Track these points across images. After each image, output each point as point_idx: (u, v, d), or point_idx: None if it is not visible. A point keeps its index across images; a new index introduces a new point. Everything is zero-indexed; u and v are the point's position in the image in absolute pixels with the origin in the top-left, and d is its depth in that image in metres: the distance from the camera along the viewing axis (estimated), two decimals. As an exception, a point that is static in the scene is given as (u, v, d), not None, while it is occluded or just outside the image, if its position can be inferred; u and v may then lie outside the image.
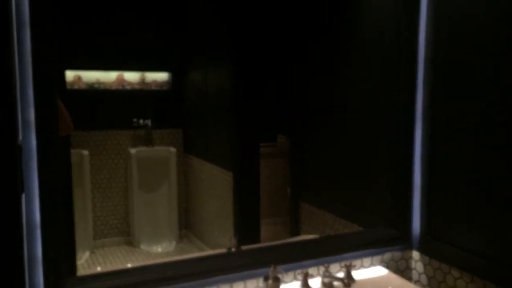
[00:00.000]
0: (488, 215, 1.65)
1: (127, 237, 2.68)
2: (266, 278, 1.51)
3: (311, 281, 1.68)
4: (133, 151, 2.74)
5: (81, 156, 2.56)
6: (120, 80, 2.87)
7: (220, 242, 2.49)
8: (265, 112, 2.63)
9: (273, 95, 2.68)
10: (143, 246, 2.60)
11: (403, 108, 1.90)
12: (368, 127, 2.10)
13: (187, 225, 2.83)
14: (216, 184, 2.69)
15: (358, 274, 1.78)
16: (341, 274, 1.74)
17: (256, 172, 2.49)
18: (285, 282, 1.68)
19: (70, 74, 2.73)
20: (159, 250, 2.62)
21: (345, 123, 2.22)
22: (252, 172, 2.49)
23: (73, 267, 1.69)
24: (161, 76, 3.02)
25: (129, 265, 1.50)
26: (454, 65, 1.75)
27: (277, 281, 1.51)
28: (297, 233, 2.31)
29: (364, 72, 2.10)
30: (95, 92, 2.77)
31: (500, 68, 1.59)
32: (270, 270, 1.51)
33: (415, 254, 1.93)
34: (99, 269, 1.40)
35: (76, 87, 2.74)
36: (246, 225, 2.38)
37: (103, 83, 2.80)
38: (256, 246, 1.79)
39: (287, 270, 1.67)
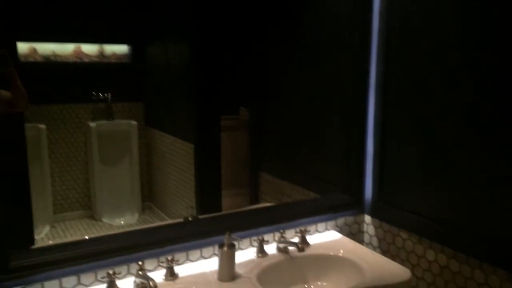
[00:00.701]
0: (434, 180, 1.73)
1: (88, 210, 2.67)
2: (221, 245, 1.55)
3: (266, 247, 1.74)
4: (92, 124, 2.70)
5: (38, 130, 2.51)
6: (78, 53, 2.80)
7: (183, 213, 2.52)
8: (227, 85, 2.62)
9: (235, 69, 2.68)
10: (105, 219, 2.60)
11: (357, 79, 1.94)
12: (323, 98, 2.14)
13: (149, 197, 2.83)
14: (177, 156, 2.69)
15: (313, 239, 1.85)
16: (296, 239, 1.80)
17: (217, 144, 2.50)
18: (241, 249, 1.73)
19: (24, 46, 2.65)
20: (122, 223, 2.63)
21: (302, 95, 2.25)
22: (213, 144, 2.50)
23: (30, 240, 1.68)
24: (121, 48, 2.96)
25: (86, 237, 1.50)
26: (406, 39, 1.79)
27: (232, 247, 1.56)
28: (256, 203, 2.35)
29: (322, 46, 2.13)
30: (51, 65, 2.69)
31: (447, 41, 1.64)
32: (225, 237, 1.55)
33: (367, 218, 2.01)
34: (50, 242, 1.40)
35: (31, 59, 2.66)
36: (208, 196, 2.40)
37: (59, 55, 2.72)
38: (213, 215, 1.82)
39: (243, 237, 1.72)
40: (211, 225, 1.70)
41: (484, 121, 1.53)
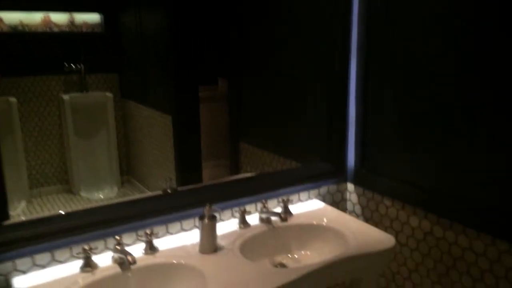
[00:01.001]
0: (417, 147, 1.70)
1: (66, 185, 2.59)
2: (201, 217, 1.51)
3: (249, 218, 1.71)
4: (66, 97, 2.60)
5: (9, 103, 2.40)
6: (47, 22, 2.67)
7: (163, 185, 2.46)
8: (205, 55, 2.54)
9: (213, 38, 2.59)
10: (83, 193, 2.54)
11: (338, 45, 1.88)
12: (304, 65, 2.08)
13: (128, 171, 2.77)
14: (155, 128, 2.62)
15: (295, 208, 1.83)
16: (278, 209, 1.77)
17: (195, 115, 2.44)
18: (223, 220, 1.69)
19: (-12, 16, 2.51)
20: (101, 197, 2.57)
21: (282, 64, 2.18)
22: (192, 115, 2.44)
23: (5, 216, 1.61)
24: (92, 17, 2.83)
25: (61, 212, 1.44)
26: (390, 4, 1.73)
27: (213, 219, 1.52)
28: (237, 173, 2.31)
29: (302, 14, 2.05)
30: (19, 36, 2.57)
31: (434, 9, 1.58)
32: (205, 209, 1.51)
33: (350, 186, 1.99)
34: (22, 218, 1.34)
35: (-3, 30, 2.53)
36: (187, 168, 2.35)
37: (27, 25, 2.59)
38: (192, 187, 1.77)
39: (224, 208, 1.68)
40: (191, 197, 1.66)
41: (466, 90, 1.50)
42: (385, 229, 1.82)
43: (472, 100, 1.49)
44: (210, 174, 2.31)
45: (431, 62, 1.60)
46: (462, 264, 1.59)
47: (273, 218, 1.70)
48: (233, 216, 1.72)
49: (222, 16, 2.49)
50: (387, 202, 1.83)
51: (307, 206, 1.87)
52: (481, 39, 1.44)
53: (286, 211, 1.77)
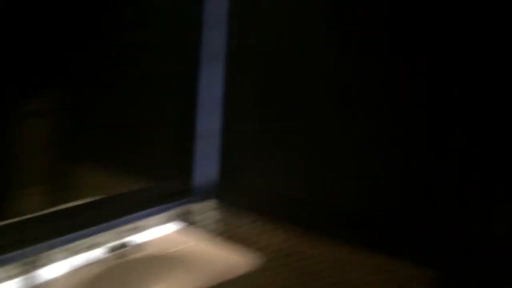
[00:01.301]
0: (279, 159, 1.64)
1: None
2: (20, 264, 1.18)
3: (89, 254, 1.40)
4: None
5: None
6: None
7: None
8: (30, 62, 2.13)
9: (43, 42, 2.19)
10: None
11: (189, 50, 1.73)
12: (150, 71, 1.83)
13: None
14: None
15: (146, 235, 1.57)
16: (125, 240, 1.49)
17: (10, 133, 2.01)
18: (52, 262, 1.33)
19: None
20: None
21: (125, 71, 1.90)
22: (6, 132, 2.00)
23: None
24: None
25: None
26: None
27: (37, 264, 1.19)
28: (73, 200, 1.93)
29: (149, 15, 1.82)
30: None
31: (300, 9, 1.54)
32: (25, 251, 1.17)
33: (208, 204, 1.81)
34: None
35: None
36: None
37: None
38: (5, 223, 1.36)
39: (54, 247, 1.34)
40: (4, 236, 1.28)
41: (340, 94, 1.49)
42: (249, 246, 1.69)
43: (348, 104, 1.47)
44: (33, 205, 1.90)
45: (304, 61, 1.55)
46: (327, 277, 1.55)
47: (117, 251, 1.42)
48: (66, 255, 1.37)
49: (51, 18, 2.12)
50: (251, 217, 1.71)
51: (160, 231, 1.63)
52: (338, 38, 1.46)
53: (135, 240, 1.49)
